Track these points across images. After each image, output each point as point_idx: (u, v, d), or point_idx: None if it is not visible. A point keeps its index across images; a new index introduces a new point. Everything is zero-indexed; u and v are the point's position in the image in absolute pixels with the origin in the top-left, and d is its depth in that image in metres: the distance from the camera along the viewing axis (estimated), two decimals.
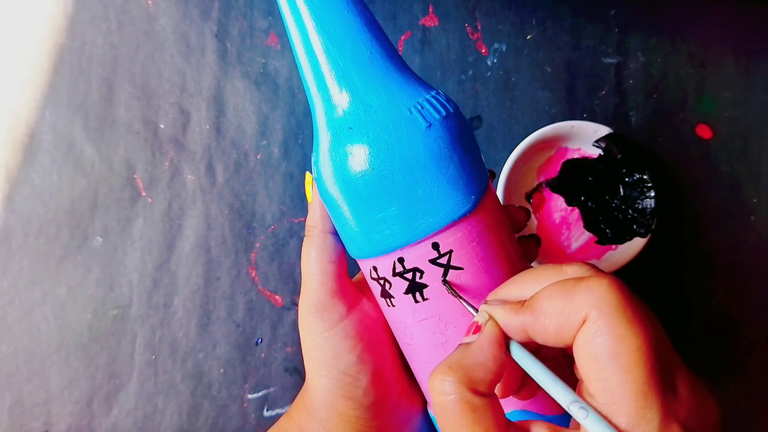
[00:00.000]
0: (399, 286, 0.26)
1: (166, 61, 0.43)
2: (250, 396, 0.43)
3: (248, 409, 0.43)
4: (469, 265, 0.25)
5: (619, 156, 0.39)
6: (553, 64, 0.43)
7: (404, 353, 0.29)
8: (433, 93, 0.26)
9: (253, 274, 0.43)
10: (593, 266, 0.22)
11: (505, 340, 0.22)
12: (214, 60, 0.43)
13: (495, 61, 0.43)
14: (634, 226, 0.40)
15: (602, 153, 0.40)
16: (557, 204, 0.41)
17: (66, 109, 0.43)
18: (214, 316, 0.43)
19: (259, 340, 0.43)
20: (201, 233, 0.43)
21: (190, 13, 0.44)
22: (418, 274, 0.25)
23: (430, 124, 0.24)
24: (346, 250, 0.29)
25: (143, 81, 0.43)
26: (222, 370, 0.43)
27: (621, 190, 0.41)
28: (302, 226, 0.43)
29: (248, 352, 0.43)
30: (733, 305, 0.42)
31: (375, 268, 0.27)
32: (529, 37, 0.43)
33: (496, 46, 0.43)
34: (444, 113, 0.25)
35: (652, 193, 0.39)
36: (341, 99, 0.25)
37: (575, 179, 0.41)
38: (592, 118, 0.42)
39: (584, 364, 0.19)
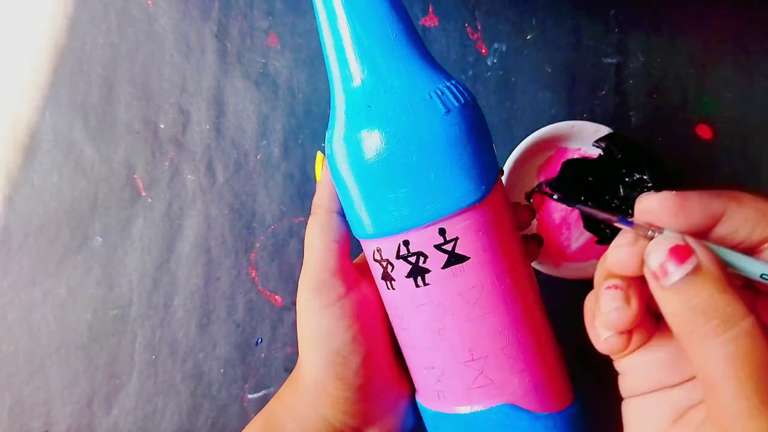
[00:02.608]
0: (401, 269, 0.26)
1: (166, 61, 0.43)
2: (250, 396, 0.43)
3: (248, 409, 0.43)
4: (474, 254, 0.25)
5: (619, 156, 0.39)
6: (553, 64, 0.43)
7: (398, 339, 0.29)
8: (453, 81, 0.26)
9: (253, 274, 0.43)
10: None
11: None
12: (214, 60, 0.44)
13: (495, 61, 0.43)
14: None
15: (602, 153, 0.40)
16: (557, 204, 0.41)
17: (66, 109, 0.43)
18: (214, 316, 0.43)
19: (259, 340, 0.43)
20: (201, 233, 0.43)
21: (190, 13, 0.44)
22: (421, 259, 0.26)
23: (449, 110, 0.25)
24: (350, 232, 0.29)
25: (143, 81, 0.43)
26: (222, 370, 0.43)
27: (621, 190, 0.41)
28: (302, 226, 0.43)
29: (248, 352, 0.43)
30: None
31: (379, 250, 0.27)
32: (529, 37, 0.43)
33: (496, 46, 0.43)
34: (462, 101, 0.25)
35: None
36: (362, 78, 0.25)
37: (575, 179, 0.41)
38: (592, 118, 0.42)
39: None
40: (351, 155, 0.26)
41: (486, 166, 0.26)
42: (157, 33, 0.44)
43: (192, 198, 0.43)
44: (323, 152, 0.29)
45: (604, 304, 0.23)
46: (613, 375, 0.26)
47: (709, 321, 0.19)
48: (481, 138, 0.26)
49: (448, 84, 0.26)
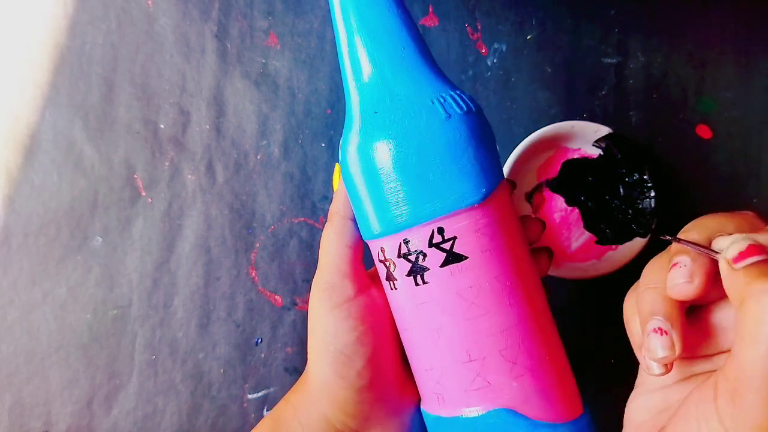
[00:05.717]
0: (402, 267, 0.27)
1: (166, 61, 0.43)
2: (250, 396, 0.43)
3: (248, 409, 0.43)
4: (472, 254, 0.26)
5: (619, 156, 0.39)
6: (553, 64, 0.43)
7: (403, 342, 0.30)
8: (458, 92, 0.28)
9: (253, 274, 0.43)
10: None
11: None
12: (214, 60, 0.44)
13: (495, 61, 0.43)
14: (634, 226, 0.40)
15: (602, 153, 0.40)
16: (557, 204, 0.41)
17: (66, 109, 0.43)
18: (214, 316, 0.43)
19: (259, 340, 0.43)
20: (201, 233, 0.43)
21: (190, 13, 0.44)
22: (421, 257, 0.27)
23: (450, 116, 0.26)
24: (363, 240, 0.30)
25: (143, 81, 0.43)
26: (222, 370, 0.43)
27: (621, 190, 0.41)
28: (302, 226, 0.43)
29: (248, 352, 0.43)
30: None
31: (383, 250, 0.28)
32: (529, 37, 0.43)
33: (496, 46, 0.43)
34: (465, 109, 0.27)
35: (652, 193, 0.39)
36: (372, 87, 0.28)
37: (575, 179, 0.41)
38: (592, 118, 0.42)
39: None
40: (359, 160, 0.27)
41: (487, 170, 0.27)
42: (157, 33, 0.44)
43: (192, 198, 0.43)
44: (338, 157, 0.30)
45: (653, 344, 0.24)
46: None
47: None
48: (482, 144, 0.27)
49: (452, 93, 0.27)
